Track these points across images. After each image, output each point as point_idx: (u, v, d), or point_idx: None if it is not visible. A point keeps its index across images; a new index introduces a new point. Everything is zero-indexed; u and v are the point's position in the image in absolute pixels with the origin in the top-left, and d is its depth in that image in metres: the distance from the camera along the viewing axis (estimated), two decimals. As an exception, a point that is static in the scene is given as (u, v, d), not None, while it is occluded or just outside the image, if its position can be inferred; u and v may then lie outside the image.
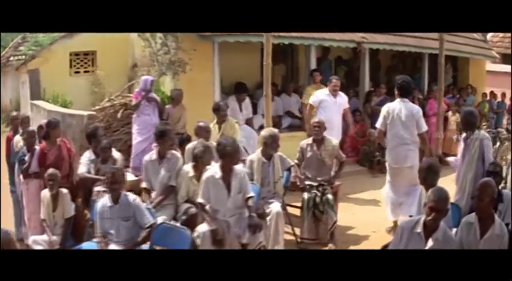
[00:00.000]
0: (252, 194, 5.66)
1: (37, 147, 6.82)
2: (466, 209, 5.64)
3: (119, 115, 9.26)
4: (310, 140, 7.02)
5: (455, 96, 12.39)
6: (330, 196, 6.65)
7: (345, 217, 7.59)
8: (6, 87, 14.35)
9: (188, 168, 6.23)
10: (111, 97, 9.68)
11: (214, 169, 5.68)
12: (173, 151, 6.43)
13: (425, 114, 10.16)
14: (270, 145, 6.38)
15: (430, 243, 4.13)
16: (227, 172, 5.59)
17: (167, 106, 8.95)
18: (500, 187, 5.75)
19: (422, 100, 11.19)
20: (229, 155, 5.52)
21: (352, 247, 6.71)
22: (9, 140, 7.92)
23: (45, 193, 6.29)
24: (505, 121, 13.91)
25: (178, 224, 5.68)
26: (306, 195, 6.67)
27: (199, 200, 5.67)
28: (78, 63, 11.21)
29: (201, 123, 6.99)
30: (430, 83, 11.88)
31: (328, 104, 8.56)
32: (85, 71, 11.18)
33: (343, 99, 8.78)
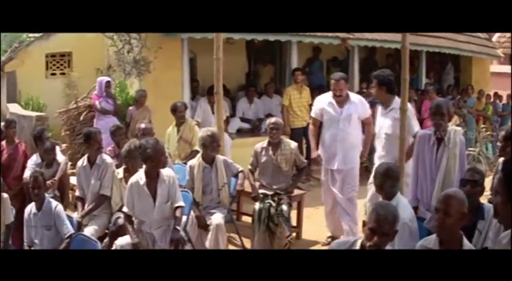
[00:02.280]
0: (181, 203, 4.98)
1: None
2: None
3: (81, 118, 8.84)
4: (265, 143, 6.21)
5: (455, 98, 11.49)
6: (284, 207, 5.89)
7: (316, 231, 6.83)
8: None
9: (120, 170, 5.62)
10: (77, 99, 9.23)
11: (139, 174, 5.01)
12: (104, 156, 5.76)
13: (420, 116, 9.41)
14: (209, 146, 5.66)
15: None
16: (152, 178, 4.92)
17: (130, 108, 8.47)
18: (487, 199, 4.64)
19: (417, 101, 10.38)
20: (150, 158, 4.83)
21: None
22: None
23: None
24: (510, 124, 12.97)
25: (92, 236, 5.07)
26: (257, 205, 5.92)
27: (124, 209, 5.06)
28: (54, 65, 10.72)
29: (142, 125, 6.43)
30: (426, 83, 11.04)
31: (331, 116, 6.19)
32: (61, 73, 10.67)
33: (354, 107, 6.18)
